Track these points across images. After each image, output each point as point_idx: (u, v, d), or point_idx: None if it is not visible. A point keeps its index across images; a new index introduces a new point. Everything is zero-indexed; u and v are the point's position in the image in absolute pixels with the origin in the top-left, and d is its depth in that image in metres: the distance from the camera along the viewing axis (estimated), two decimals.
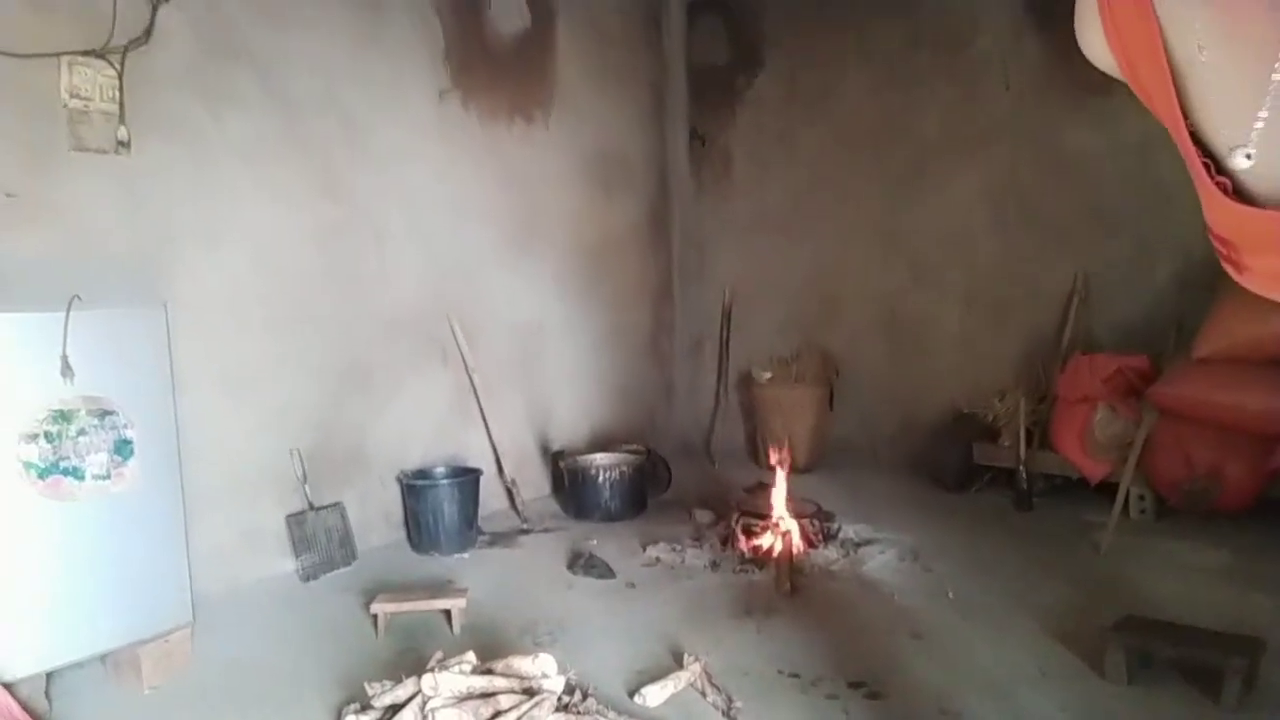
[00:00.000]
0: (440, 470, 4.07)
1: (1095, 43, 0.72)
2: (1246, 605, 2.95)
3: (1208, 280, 3.96)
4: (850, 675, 2.57)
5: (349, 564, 3.65)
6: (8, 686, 2.29)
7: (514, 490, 4.41)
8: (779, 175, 5.53)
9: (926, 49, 4.93)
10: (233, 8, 3.36)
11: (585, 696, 2.39)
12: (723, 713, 2.37)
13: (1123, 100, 4.74)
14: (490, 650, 2.58)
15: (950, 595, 3.17)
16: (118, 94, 3.02)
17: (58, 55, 2.89)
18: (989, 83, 4.74)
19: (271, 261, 3.53)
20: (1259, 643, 2.43)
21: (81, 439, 2.43)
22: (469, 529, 3.91)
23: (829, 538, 3.75)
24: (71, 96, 2.92)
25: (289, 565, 3.54)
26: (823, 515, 3.91)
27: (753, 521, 3.71)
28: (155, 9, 3.09)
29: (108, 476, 2.48)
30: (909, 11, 4.95)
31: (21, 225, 2.83)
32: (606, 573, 3.50)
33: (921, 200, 5.02)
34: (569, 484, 4.43)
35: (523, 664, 2.39)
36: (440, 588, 3.28)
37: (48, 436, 2.37)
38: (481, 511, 4.09)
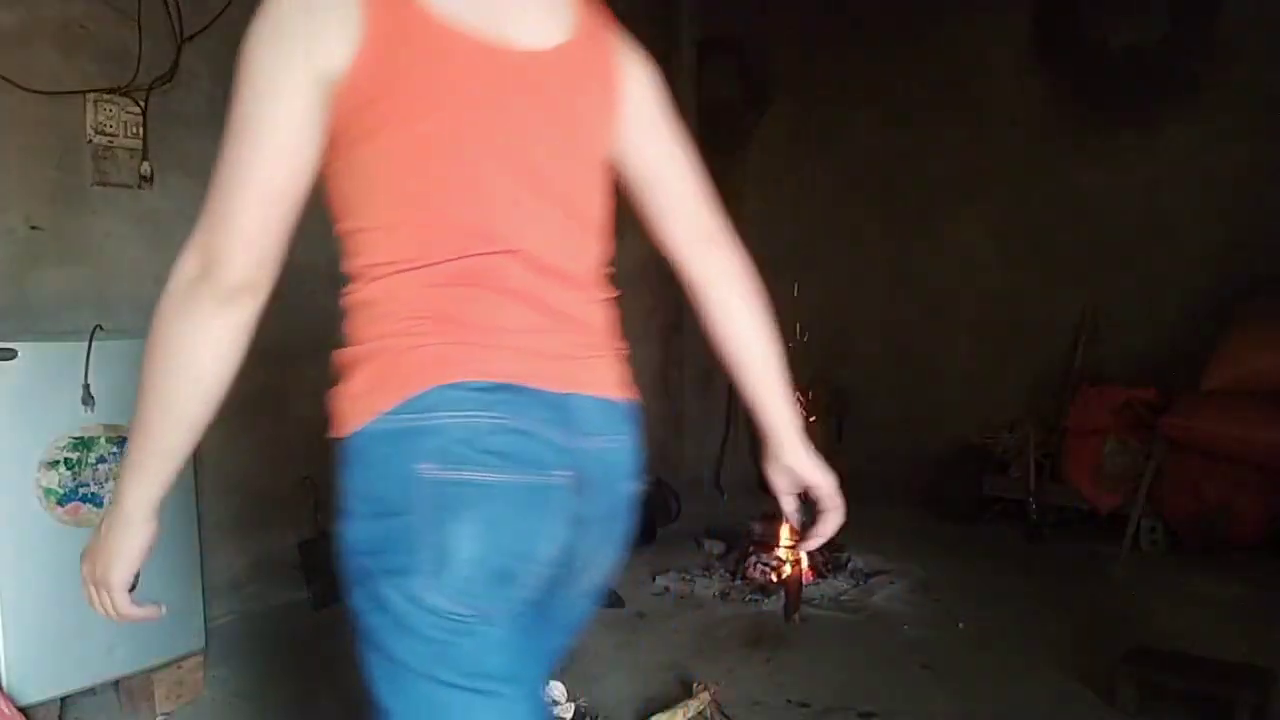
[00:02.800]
0: None
1: None
2: (1258, 638, 2.93)
3: (1217, 312, 3.99)
4: (861, 706, 2.57)
5: None
6: (22, 710, 2.31)
7: None
8: (788, 211, 5.59)
9: (934, 88, 5.00)
10: None
11: None
12: None
13: (1130, 137, 4.82)
14: None
15: (960, 626, 3.17)
16: (141, 131, 3.11)
17: (84, 93, 2.98)
18: (996, 121, 4.80)
19: (288, 294, 3.57)
20: (1270, 675, 2.42)
21: (101, 466, 2.48)
22: None
23: (838, 568, 3.75)
24: (96, 133, 3.01)
25: (300, 593, 3.56)
26: (832, 545, 3.91)
27: (763, 552, 3.72)
28: (180, 49, 3.19)
29: None
30: (916, 52, 5.03)
31: (46, 257, 2.90)
32: (616, 602, 3.50)
33: (930, 236, 5.06)
34: None
35: None
36: None
37: (68, 463, 2.42)
38: None
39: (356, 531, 0.98)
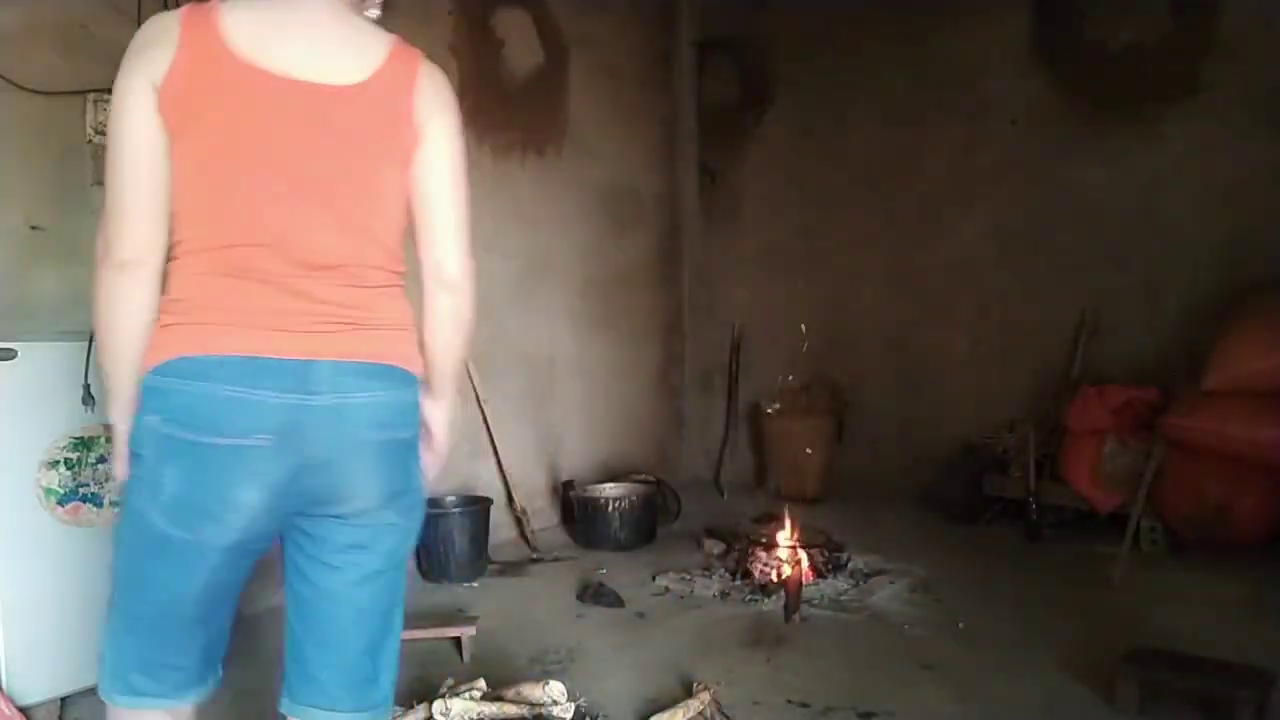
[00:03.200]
0: (451, 499, 4.09)
1: None
2: (1259, 637, 2.93)
3: (1217, 312, 3.99)
4: (861, 705, 2.57)
5: None
6: (22, 710, 2.31)
7: (524, 520, 4.43)
8: (788, 211, 5.59)
9: (934, 87, 5.00)
10: None
11: None
12: None
13: (1130, 138, 4.81)
14: (500, 678, 2.59)
15: (961, 626, 3.16)
16: None
17: (84, 93, 2.98)
18: (997, 120, 4.80)
19: None
20: (1270, 675, 2.42)
21: (101, 466, 2.48)
22: (479, 558, 3.93)
23: (838, 568, 3.75)
24: (96, 133, 3.00)
25: None
26: (832, 545, 3.92)
27: (763, 551, 3.72)
28: None
29: None
30: (916, 51, 5.03)
31: (46, 257, 2.90)
32: (616, 602, 3.50)
33: (930, 235, 5.06)
34: (579, 514, 4.45)
35: (533, 691, 2.40)
36: (450, 616, 3.29)
37: (68, 463, 2.42)
38: (491, 540, 4.11)
39: (132, 446, 1.32)
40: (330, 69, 1.30)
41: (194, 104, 1.25)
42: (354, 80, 1.31)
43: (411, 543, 1.48)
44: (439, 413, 1.52)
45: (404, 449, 1.39)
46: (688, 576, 3.77)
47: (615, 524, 4.33)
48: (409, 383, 1.38)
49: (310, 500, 1.33)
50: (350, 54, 1.33)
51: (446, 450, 1.59)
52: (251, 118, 1.27)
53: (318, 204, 1.29)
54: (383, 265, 1.36)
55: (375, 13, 1.47)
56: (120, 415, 1.36)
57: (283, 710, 1.48)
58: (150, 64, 1.24)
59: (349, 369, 1.30)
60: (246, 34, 1.27)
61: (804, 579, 3.47)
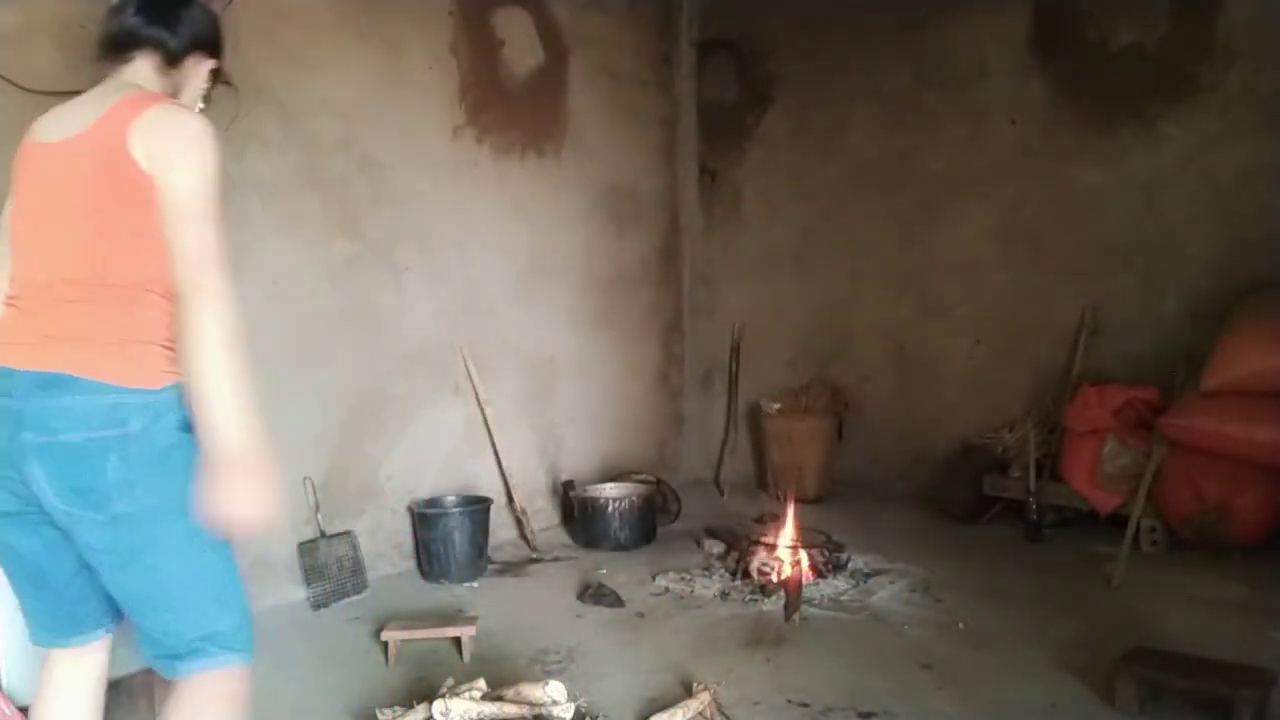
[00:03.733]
0: (451, 499, 4.10)
1: None
2: (1258, 637, 2.94)
3: (1217, 312, 3.99)
4: (861, 706, 2.58)
5: (360, 592, 3.67)
6: (23, 710, 2.31)
7: (524, 520, 4.43)
8: (788, 211, 5.59)
9: (934, 87, 4.99)
10: (255, 49, 3.46)
11: None
12: None
13: (1130, 137, 4.80)
14: (500, 678, 2.59)
15: (961, 626, 3.16)
16: None
17: (83, 93, 2.97)
18: (997, 121, 4.80)
19: (288, 295, 3.60)
20: (1270, 675, 2.43)
21: None
22: (479, 558, 3.93)
23: (839, 568, 3.75)
24: None
25: (300, 593, 3.56)
26: (832, 545, 3.92)
27: (763, 551, 3.72)
28: None
29: None
30: (916, 51, 5.03)
31: None
32: (616, 602, 3.51)
33: (930, 236, 5.06)
34: (579, 514, 4.45)
35: (533, 691, 2.40)
36: (450, 616, 3.29)
37: None
38: (492, 541, 4.11)
39: None
40: (67, 128, 1.58)
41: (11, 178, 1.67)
42: (77, 132, 1.55)
43: (134, 536, 1.52)
44: (207, 440, 1.49)
45: (82, 450, 1.48)
46: (688, 576, 3.78)
47: (615, 524, 4.33)
48: (90, 389, 1.49)
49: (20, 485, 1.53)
50: (88, 113, 1.57)
51: (239, 489, 1.48)
52: (22, 181, 1.64)
53: (45, 237, 1.59)
54: (88, 281, 1.53)
55: (200, 106, 1.75)
56: None
57: None
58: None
59: (34, 378, 1.50)
60: (45, 119, 1.64)
61: (804, 579, 3.47)
